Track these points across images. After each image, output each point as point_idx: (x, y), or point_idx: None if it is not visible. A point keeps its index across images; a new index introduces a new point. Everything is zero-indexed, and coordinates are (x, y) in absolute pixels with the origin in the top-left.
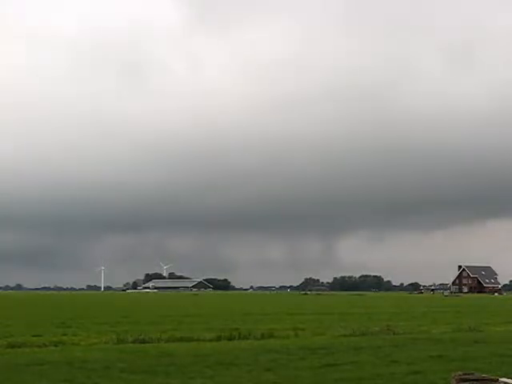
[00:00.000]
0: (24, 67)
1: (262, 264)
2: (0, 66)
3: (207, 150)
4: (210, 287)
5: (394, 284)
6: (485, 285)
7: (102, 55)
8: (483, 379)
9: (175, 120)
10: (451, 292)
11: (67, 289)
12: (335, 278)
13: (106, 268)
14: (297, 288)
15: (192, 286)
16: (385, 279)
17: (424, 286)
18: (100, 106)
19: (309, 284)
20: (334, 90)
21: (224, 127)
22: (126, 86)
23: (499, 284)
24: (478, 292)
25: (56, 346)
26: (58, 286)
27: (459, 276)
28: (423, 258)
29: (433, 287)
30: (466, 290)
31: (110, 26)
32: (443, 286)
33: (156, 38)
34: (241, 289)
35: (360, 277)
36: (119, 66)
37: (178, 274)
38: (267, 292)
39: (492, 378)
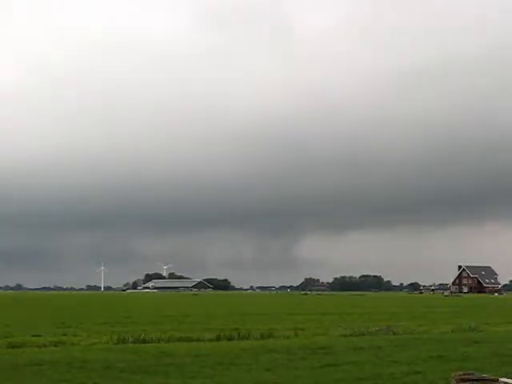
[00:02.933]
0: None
1: (261, 263)
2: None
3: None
4: (209, 287)
5: (393, 284)
6: (485, 285)
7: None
8: (483, 379)
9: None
10: (451, 292)
11: (67, 289)
12: (335, 278)
13: (106, 268)
14: (297, 288)
15: (192, 286)
16: (385, 279)
17: (424, 286)
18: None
19: (309, 284)
20: None
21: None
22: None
23: (499, 284)
24: (478, 292)
25: (56, 346)
26: (58, 285)
27: (459, 276)
28: (423, 258)
29: (433, 287)
30: (466, 290)
31: None
32: (443, 286)
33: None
34: (241, 289)
35: (360, 277)
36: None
37: (178, 273)
38: (267, 292)
39: (492, 378)
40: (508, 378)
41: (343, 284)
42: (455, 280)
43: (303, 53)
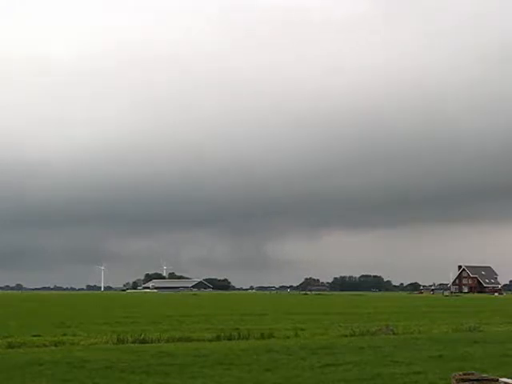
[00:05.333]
0: None
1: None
2: None
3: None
4: (209, 287)
5: (394, 284)
6: (485, 285)
7: None
8: (483, 379)
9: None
10: (451, 292)
11: (67, 289)
12: (335, 278)
13: (107, 267)
14: (297, 288)
15: (192, 286)
16: (385, 279)
17: (424, 286)
18: None
19: (309, 284)
20: None
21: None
22: None
23: (499, 284)
24: (478, 292)
25: (56, 345)
26: (58, 285)
27: (459, 276)
28: (423, 258)
29: (433, 287)
30: (466, 290)
31: None
32: (443, 286)
33: None
34: (241, 289)
35: (360, 277)
36: None
37: (178, 274)
38: (267, 292)
39: (492, 377)
40: (508, 378)
41: (343, 284)
42: (455, 280)
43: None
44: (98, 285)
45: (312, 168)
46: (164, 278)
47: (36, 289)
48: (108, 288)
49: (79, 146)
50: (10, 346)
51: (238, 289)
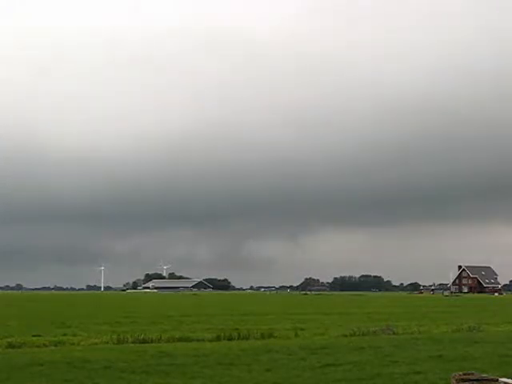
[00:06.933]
0: None
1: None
2: None
3: None
4: (209, 287)
5: (394, 284)
6: (485, 285)
7: None
8: (483, 379)
9: None
10: (451, 292)
11: (67, 289)
12: (335, 278)
13: (107, 267)
14: (297, 288)
15: (192, 286)
16: (385, 279)
17: (424, 286)
18: None
19: (309, 284)
20: None
21: None
22: None
23: (499, 284)
24: (478, 292)
25: (56, 346)
26: (58, 286)
27: (459, 276)
28: (423, 258)
29: (433, 287)
30: (466, 290)
31: None
32: (443, 286)
33: None
34: (241, 289)
35: (360, 277)
36: None
37: (178, 274)
38: (267, 292)
39: (492, 377)
40: (508, 378)
41: (343, 284)
42: (455, 280)
43: None
44: (97, 285)
45: (312, 168)
46: (164, 278)
47: (36, 289)
48: (108, 288)
49: (79, 146)
50: (10, 345)
51: (238, 289)
